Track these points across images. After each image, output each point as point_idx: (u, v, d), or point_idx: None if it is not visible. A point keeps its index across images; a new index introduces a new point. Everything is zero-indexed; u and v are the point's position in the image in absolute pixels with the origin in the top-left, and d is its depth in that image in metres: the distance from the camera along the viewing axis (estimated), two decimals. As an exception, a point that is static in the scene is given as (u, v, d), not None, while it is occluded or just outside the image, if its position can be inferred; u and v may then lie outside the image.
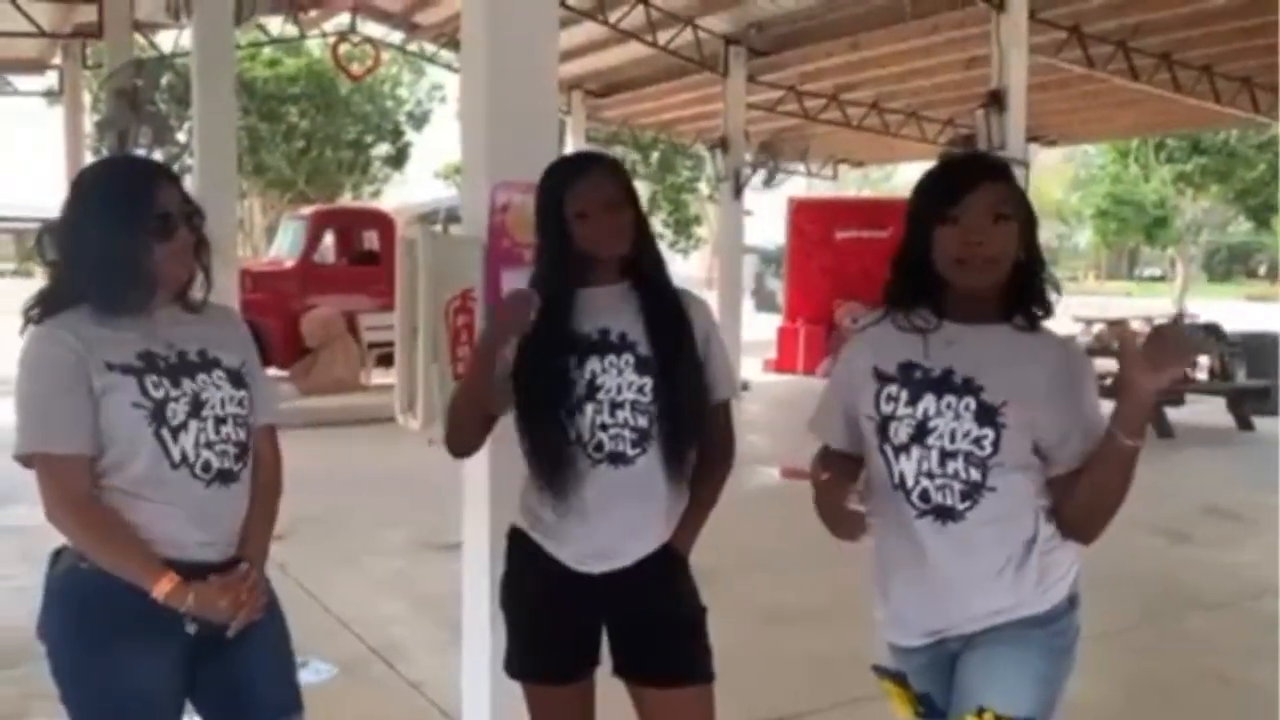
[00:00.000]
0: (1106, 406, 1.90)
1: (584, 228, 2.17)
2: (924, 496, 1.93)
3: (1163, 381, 1.72)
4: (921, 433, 1.93)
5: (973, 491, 1.90)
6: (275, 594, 2.19)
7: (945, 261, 1.90)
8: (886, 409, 1.97)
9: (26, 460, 1.95)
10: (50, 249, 2.03)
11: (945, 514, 1.92)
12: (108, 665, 1.96)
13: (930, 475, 1.92)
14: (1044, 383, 1.89)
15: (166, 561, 1.95)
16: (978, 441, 1.89)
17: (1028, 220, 1.94)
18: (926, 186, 1.98)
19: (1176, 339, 1.74)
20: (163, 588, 1.92)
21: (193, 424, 1.99)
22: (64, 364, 1.92)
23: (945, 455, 1.91)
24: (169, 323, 2.04)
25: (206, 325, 2.10)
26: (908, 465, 1.94)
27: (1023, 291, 1.95)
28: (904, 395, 1.95)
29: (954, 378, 1.92)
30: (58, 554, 2.02)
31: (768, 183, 14.47)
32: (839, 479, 1.94)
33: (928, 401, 1.93)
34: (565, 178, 2.24)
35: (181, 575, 1.94)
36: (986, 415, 1.89)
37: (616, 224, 2.18)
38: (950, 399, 1.91)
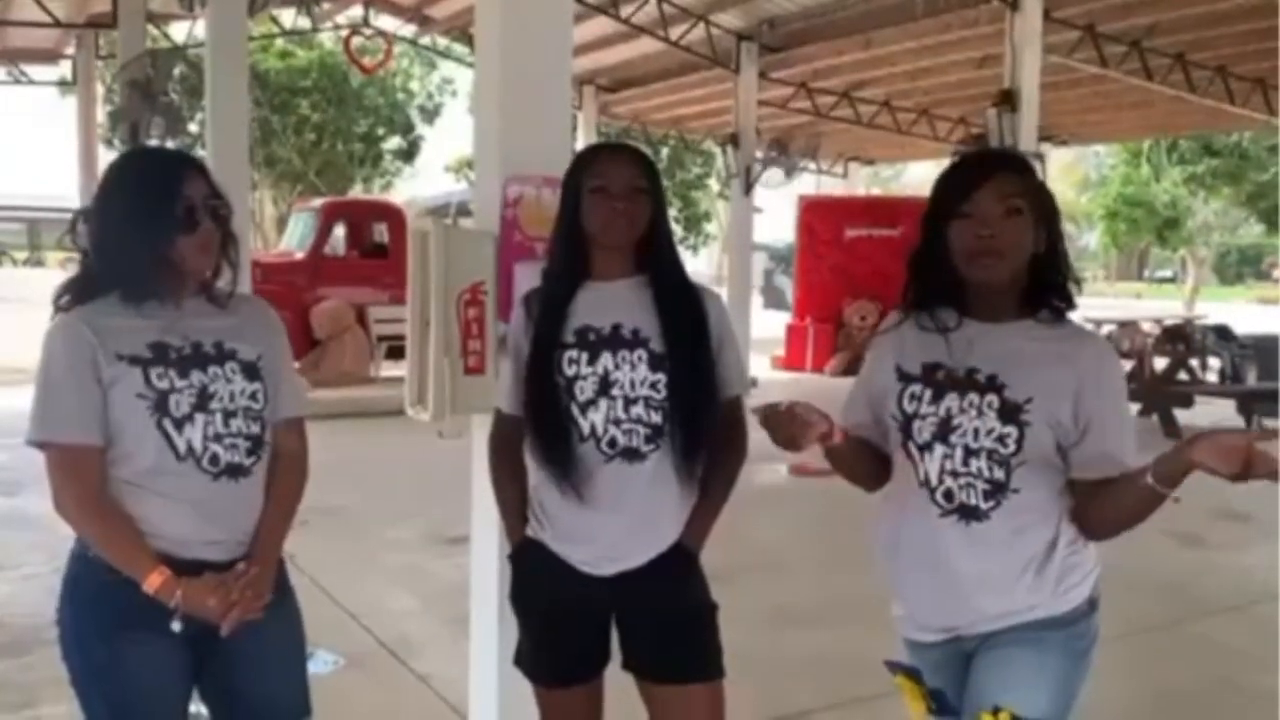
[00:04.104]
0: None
1: (596, 205, 2.15)
2: (948, 496, 1.92)
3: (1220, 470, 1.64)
4: (945, 431, 1.92)
5: (996, 491, 1.89)
6: (293, 592, 2.19)
7: (960, 256, 1.90)
8: (910, 408, 1.96)
9: (40, 446, 1.96)
10: (83, 237, 2.03)
11: (969, 514, 1.91)
12: (112, 654, 1.97)
13: (954, 474, 1.91)
14: (1070, 380, 1.87)
15: (168, 558, 1.94)
16: (1001, 439, 1.88)
17: (1046, 213, 1.93)
18: (942, 183, 1.98)
19: (1258, 456, 1.61)
20: (153, 582, 1.91)
21: (199, 416, 1.98)
22: (77, 355, 1.93)
23: (969, 453, 1.90)
24: (193, 314, 2.05)
25: (231, 317, 2.09)
26: (931, 464, 1.93)
27: (1044, 286, 1.94)
28: (927, 394, 1.95)
29: (977, 376, 1.92)
30: (78, 538, 2.03)
31: (778, 176, 14.40)
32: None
33: (950, 400, 1.92)
34: (593, 155, 2.27)
35: (182, 573, 1.94)
36: (1010, 413, 1.88)
37: (629, 209, 2.16)
38: (973, 397, 1.91)
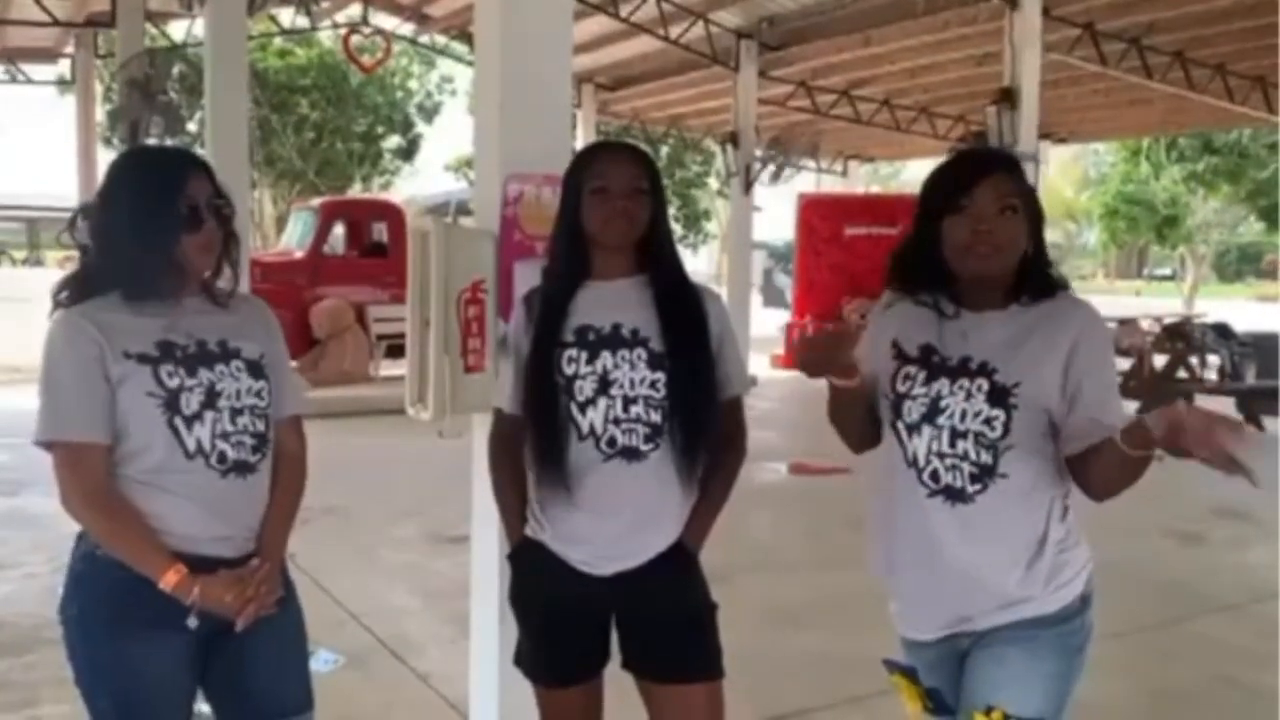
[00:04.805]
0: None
1: (596, 205, 2.15)
2: (934, 476, 1.94)
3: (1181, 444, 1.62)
4: (933, 412, 1.95)
5: (983, 475, 1.91)
6: (294, 588, 2.20)
7: (953, 250, 1.93)
8: (902, 388, 1.99)
9: (47, 446, 1.96)
10: (82, 233, 2.03)
11: (955, 495, 1.93)
12: (120, 652, 1.97)
13: (940, 455, 1.94)
14: (1062, 344, 1.89)
15: (179, 554, 1.95)
16: (988, 422, 1.90)
17: (1035, 215, 1.96)
18: (937, 178, 2.00)
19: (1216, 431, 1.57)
20: (169, 579, 1.92)
21: (208, 414, 1.99)
22: (83, 352, 1.93)
23: (955, 435, 1.92)
24: (193, 313, 2.05)
25: (231, 316, 2.10)
26: (919, 444, 1.96)
27: (1029, 280, 1.96)
28: (920, 376, 1.98)
29: (970, 364, 1.94)
30: (81, 537, 2.03)
31: (775, 178, 14.38)
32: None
33: (942, 383, 1.95)
34: (593, 154, 2.26)
35: (193, 569, 1.94)
36: (998, 397, 1.90)
37: (630, 209, 2.15)
38: (964, 381, 1.94)
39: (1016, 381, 1.90)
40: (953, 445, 1.93)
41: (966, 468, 1.92)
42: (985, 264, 1.91)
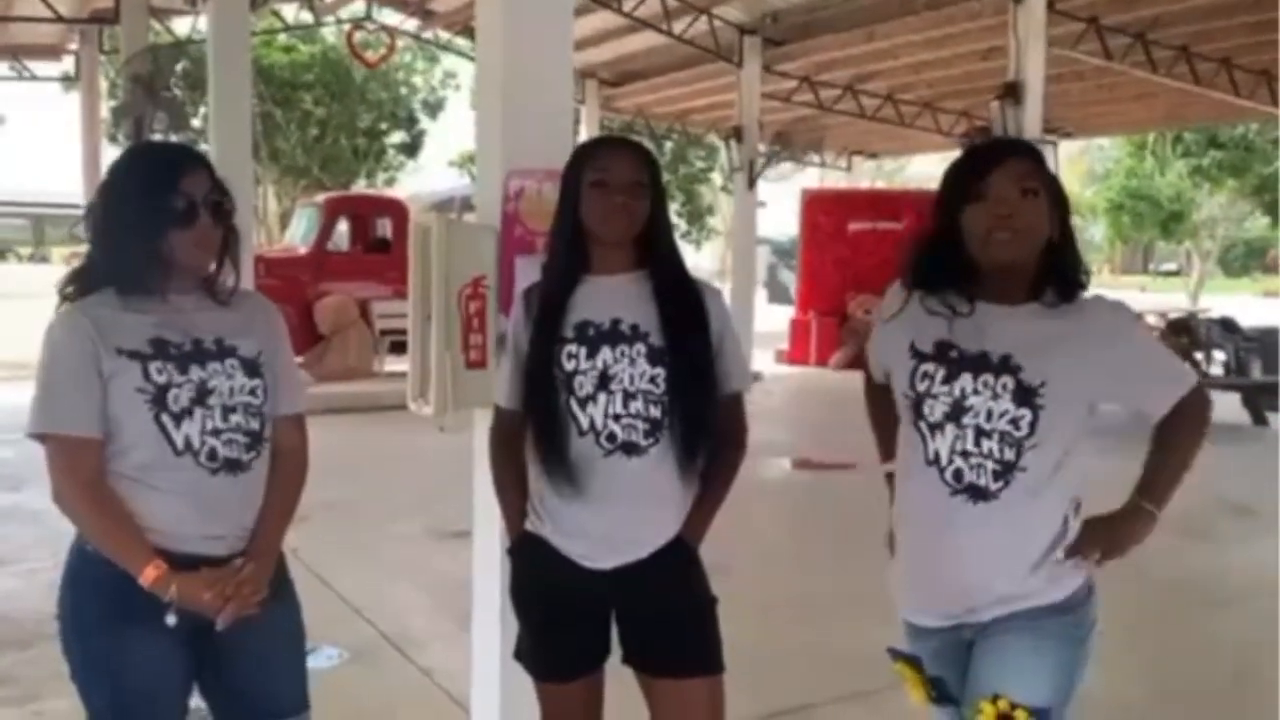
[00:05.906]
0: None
1: (595, 199, 2.14)
2: (957, 475, 1.93)
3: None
4: (958, 411, 1.92)
5: (1005, 471, 1.90)
6: (293, 586, 2.19)
7: (975, 239, 1.90)
8: (922, 386, 1.97)
9: (40, 439, 1.96)
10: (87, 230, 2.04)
11: (978, 494, 1.92)
12: (112, 647, 1.97)
13: (965, 454, 1.92)
14: (1087, 353, 1.88)
15: (167, 553, 1.94)
16: (1015, 422, 1.89)
17: (1058, 199, 1.94)
18: (954, 170, 1.98)
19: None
20: (148, 575, 1.91)
21: (198, 411, 1.98)
22: (77, 348, 1.93)
23: (980, 434, 1.91)
24: (192, 310, 2.05)
25: (231, 313, 2.09)
26: (942, 443, 1.94)
27: (1053, 273, 1.95)
28: (940, 374, 1.95)
29: (990, 357, 1.92)
30: (77, 533, 2.03)
31: (769, 166, 14.32)
32: None
33: (965, 380, 1.93)
34: (593, 149, 2.26)
35: (181, 567, 1.94)
36: (1025, 396, 1.88)
37: (629, 203, 2.15)
38: (988, 378, 1.91)
39: (1044, 380, 1.88)
40: (977, 444, 1.91)
41: (990, 465, 1.90)
42: (1007, 250, 1.88)
